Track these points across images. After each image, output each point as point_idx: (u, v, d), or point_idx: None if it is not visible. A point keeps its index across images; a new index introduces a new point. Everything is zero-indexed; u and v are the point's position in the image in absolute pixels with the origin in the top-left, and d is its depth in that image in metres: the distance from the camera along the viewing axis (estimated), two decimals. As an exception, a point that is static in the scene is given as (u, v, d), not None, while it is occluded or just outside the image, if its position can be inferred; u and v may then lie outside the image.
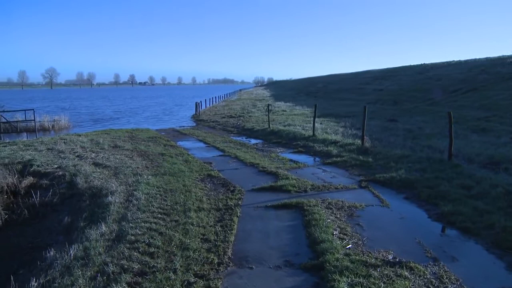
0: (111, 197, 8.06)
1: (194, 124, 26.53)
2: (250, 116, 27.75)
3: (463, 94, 29.58)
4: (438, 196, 7.64)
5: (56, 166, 11.55)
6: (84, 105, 61.65)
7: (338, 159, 11.55)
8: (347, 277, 4.57)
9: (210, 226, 6.50)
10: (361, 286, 4.41)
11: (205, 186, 9.04)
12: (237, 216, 6.96)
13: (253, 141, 16.87)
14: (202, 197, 8.13)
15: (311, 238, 5.87)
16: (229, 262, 5.21)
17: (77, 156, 13.04)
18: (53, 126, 27.18)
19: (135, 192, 8.34)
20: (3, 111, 24.78)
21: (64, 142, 15.88)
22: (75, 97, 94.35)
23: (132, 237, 5.95)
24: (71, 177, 10.19)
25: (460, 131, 15.72)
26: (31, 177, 10.79)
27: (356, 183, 9.15)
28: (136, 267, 5.01)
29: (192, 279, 4.71)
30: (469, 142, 13.44)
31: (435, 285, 4.50)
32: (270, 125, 19.79)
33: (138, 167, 10.97)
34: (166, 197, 8.12)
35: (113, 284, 4.59)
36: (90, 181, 9.63)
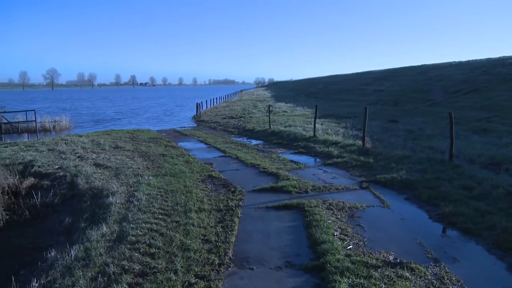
0: (112, 197, 8.07)
1: (195, 125, 26.55)
2: (251, 117, 27.76)
3: (464, 95, 29.56)
4: (439, 197, 7.63)
5: (57, 166, 11.56)
6: (85, 105, 61.73)
7: (339, 160, 11.54)
8: (348, 278, 4.57)
9: (211, 227, 6.50)
10: (362, 287, 4.41)
11: (206, 187, 9.04)
12: (238, 217, 6.96)
13: (254, 142, 16.87)
14: (203, 198, 8.13)
15: (312, 239, 5.86)
16: (230, 263, 5.21)
17: (78, 156, 13.05)
18: (54, 127, 27.23)
19: (136, 193, 8.34)
20: (4, 112, 24.82)
21: (65, 142, 15.89)
22: (76, 98, 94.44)
23: (133, 238, 5.95)
24: (72, 178, 10.20)
25: (461, 132, 15.70)
26: (32, 178, 10.80)
27: (357, 184, 9.15)
28: (137, 267, 5.01)
29: (193, 280, 4.71)
30: (470, 143, 13.43)
31: (436, 286, 4.50)
32: (271, 126, 19.80)
33: (139, 168, 10.98)
34: (167, 197, 8.12)
35: (114, 285, 4.59)
36: (91, 181, 9.63)
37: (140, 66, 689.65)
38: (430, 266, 4.94)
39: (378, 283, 4.48)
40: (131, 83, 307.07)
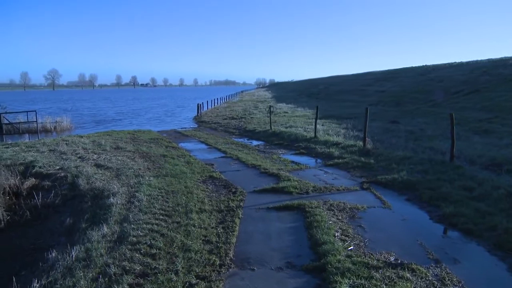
0: (113, 198, 8.07)
1: (196, 126, 26.56)
2: (251, 117, 27.76)
3: (465, 96, 29.54)
4: (440, 197, 7.62)
5: (58, 167, 11.57)
6: (86, 106, 61.79)
7: (340, 160, 11.54)
8: (349, 279, 4.57)
9: (212, 227, 6.50)
10: (363, 288, 4.41)
11: (206, 188, 9.04)
12: (238, 217, 6.96)
13: (255, 142, 16.87)
14: (204, 198, 8.13)
15: (313, 240, 5.86)
16: (231, 264, 5.21)
17: (79, 157, 13.06)
18: (55, 128, 27.26)
19: (137, 194, 8.34)
20: (6, 113, 24.84)
21: (66, 143, 15.91)
22: (77, 99, 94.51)
23: (134, 239, 5.95)
24: (73, 179, 10.21)
25: (462, 133, 15.71)
26: (33, 179, 10.81)
27: (358, 184, 9.14)
28: (138, 268, 5.02)
29: (193, 281, 4.71)
30: (471, 144, 13.42)
31: (437, 287, 4.49)
32: (272, 127, 19.79)
33: (140, 169, 10.99)
34: (167, 198, 8.12)
35: (115, 286, 4.59)
36: (92, 182, 9.64)
37: (141, 67, 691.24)
38: (431, 267, 4.93)
39: (379, 284, 4.48)
40: (132, 83, 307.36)
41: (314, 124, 16.84)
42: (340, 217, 6.84)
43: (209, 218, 6.92)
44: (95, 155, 13.29)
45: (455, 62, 52.92)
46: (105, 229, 6.41)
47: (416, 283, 4.54)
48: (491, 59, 46.41)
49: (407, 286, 4.45)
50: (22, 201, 9.57)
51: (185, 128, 24.95)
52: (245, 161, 11.96)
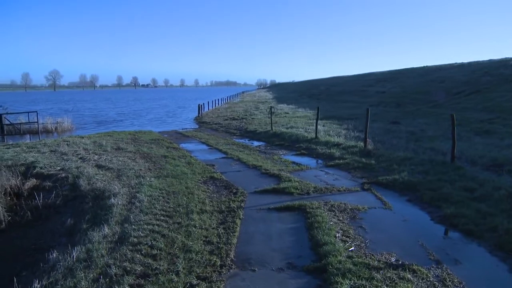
0: (113, 199, 8.08)
1: (197, 126, 26.57)
2: (252, 118, 27.77)
3: (466, 96, 29.53)
4: (441, 198, 7.62)
5: (59, 168, 11.58)
6: (88, 107, 61.83)
7: (341, 161, 11.54)
8: (350, 280, 4.57)
9: (213, 228, 6.50)
10: (364, 289, 4.41)
11: (207, 188, 9.04)
12: (239, 218, 6.96)
13: (256, 143, 16.88)
14: (205, 199, 8.14)
15: (314, 241, 5.86)
16: (232, 264, 5.21)
17: (80, 158, 13.07)
18: (56, 128, 27.28)
19: (137, 194, 8.35)
20: (7, 113, 24.84)
21: (67, 144, 15.93)
22: (78, 99, 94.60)
23: (135, 239, 5.95)
24: (74, 179, 10.22)
25: (463, 133, 15.70)
26: (34, 179, 10.83)
27: (359, 185, 9.14)
28: (139, 269, 5.02)
29: (194, 281, 4.71)
30: (472, 144, 13.41)
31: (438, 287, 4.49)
32: (273, 127, 19.79)
33: (140, 169, 10.99)
34: (168, 199, 8.12)
35: (116, 286, 4.60)
36: (93, 183, 9.65)
37: (142, 68, 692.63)
38: (432, 268, 4.93)
39: (380, 284, 4.48)
40: (133, 84, 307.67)
41: (315, 125, 16.85)
42: (341, 218, 6.84)
43: (210, 219, 6.92)
44: (96, 156, 13.30)
45: (456, 63, 52.90)
46: (106, 229, 6.41)
47: (417, 284, 4.54)
48: (492, 59, 46.43)
49: (408, 287, 4.45)
50: (23, 202, 9.58)
51: (186, 128, 24.96)
52: (246, 162, 11.96)
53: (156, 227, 6.48)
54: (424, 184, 8.56)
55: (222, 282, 4.73)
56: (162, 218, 6.95)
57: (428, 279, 4.64)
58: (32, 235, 8.10)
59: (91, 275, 4.91)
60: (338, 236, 5.97)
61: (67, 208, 9.01)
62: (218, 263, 5.21)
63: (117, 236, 6.18)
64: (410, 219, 6.86)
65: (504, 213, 6.53)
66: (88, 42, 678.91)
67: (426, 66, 58.45)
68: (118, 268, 5.02)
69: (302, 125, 20.97)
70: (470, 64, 47.79)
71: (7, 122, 23.83)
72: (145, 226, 6.50)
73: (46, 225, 8.57)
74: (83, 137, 18.34)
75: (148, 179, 9.76)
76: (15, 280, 5.44)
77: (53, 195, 9.57)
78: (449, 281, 4.61)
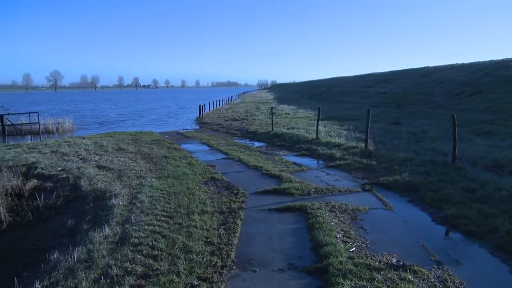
0: (114, 199, 8.08)
1: (198, 127, 26.58)
2: (253, 119, 27.77)
3: (467, 97, 29.51)
4: (442, 199, 7.61)
5: (60, 168, 11.59)
6: (89, 108, 61.87)
7: (342, 162, 11.53)
8: (351, 281, 4.56)
9: (214, 229, 6.50)
10: (365, 290, 4.40)
11: (208, 189, 9.05)
12: (240, 219, 6.96)
13: (257, 144, 16.88)
14: (206, 200, 8.14)
15: (315, 241, 5.85)
16: (233, 265, 5.21)
17: (81, 158, 13.08)
18: (57, 129, 27.31)
19: (138, 195, 8.35)
20: (8, 114, 24.86)
21: (68, 144, 15.94)
22: (79, 100, 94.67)
23: (136, 240, 5.95)
24: (75, 180, 10.23)
25: (464, 134, 15.67)
26: (35, 180, 10.83)
27: (360, 186, 9.13)
28: (140, 269, 5.02)
29: (195, 282, 4.71)
30: (473, 145, 13.39)
31: (439, 288, 4.48)
32: (274, 128, 19.79)
33: (141, 170, 11.00)
34: (169, 200, 8.13)
35: (117, 287, 4.60)
36: (94, 183, 9.65)
37: (143, 68, 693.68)
38: (433, 269, 4.92)
39: (381, 285, 4.47)
40: (134, 85, 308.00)
41: (316, 125, 16.86)
42: (342, 219, 6.84)
43: (211, 220, 6.92)
44: (97, 157, 13.31)
45: (456, 64, 52.85)
46: (107, 230, 6.41)
47: (418, 284, 4.53)
48: (493, 60, 46.37)
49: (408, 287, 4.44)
50: (24, 202, 9.58)
51: (187, 129, 24.97)
52: (247, 163, 11.96)
53: (157, 227, 6.48)
54: (425, 185, 8.56)
55: (223, 282, 4.73)
56: (163, 218, 6.95)
57: (429, 280, 4.64)
58: (33, 236, 8.11)
59: (92, 275, 4.91)
60: (339, 237, 5.97)
61: (68, 209, 9.01)
62: (219, 263, 5.21)
63: (118, 237, 6.18)
64: (411, 220, 6.85)
65: (506, 214, 6.52)
66: (89, 42, 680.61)
67: (427, 66, 58.44)
68: (119, 269, 5.02)
69: (303, 126, 20.97)
70: (470, 64, 47.73)
71: (8, 123, 23.83)
72: (146, 226, 6.50)
73: (47, 225, 8.57)
74: (84, 138, 18.36)
75: (149, 179, 9.77)
76: (16, 280, 5.44)
77: (54, 195, 9.58)
78: (450, 282, 4.60)
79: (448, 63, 55.40)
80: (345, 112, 29.72)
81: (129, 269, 5.00)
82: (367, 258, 5.22)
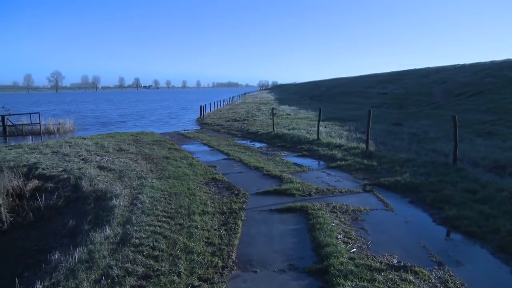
0: (115, 200, 8.08)
1: (199, 128, 26.58)
2: (254, 119, 27.78)
3: (468, 98, 29.47)
4: (443, 200, 7.60)
5: (61, 169, 11.60)
6: (90, 108, 61.94)
7: (343, 162, 11.52)
8: (352, 281, 4.56)
9: (215, 229, 6.50)
10: (366, 291, 4.40)
11: (209, 190, 9.05)
12: (241, 219, 6.96)
13: (258, 144, 16.87)
14: (207, 200, 8.14)
15: (316, 242, 5.85)
16: (234, 266, 5.21)
17: (82, 159, 13.09)
18: (58, 129, 27.35)
19: (139, 196, 8.35)
20: (9, 115, 24.90)
21: (69, 145, 15.95)
22: (80, 101, 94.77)
23: (137, 241, 5.96)
24: (76, 180, 10.23)
25: (465, 135, 15.67)
26: (36, 180, 10.84)
27: (361, 187, 9.12)
28: (141, 270, 5.02)
29: (196, 283, 4.71)
30: (475, 146, 13.38)
31: (440, 289, 4.48)
32: (275, 129, 19.80)
33: (142, 171, 11.00)
34: (170, 200, 8.13)
35: (118, 287, 4.60)
36: (94, 184, 9.66)
37: (143, 69, 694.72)
38: (434, 270, 4.92)
39: (381, 286, 4.47)
40: (134, 85, 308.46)
41: (316, 126, 16.86)
42: (342, 219, 6.83)
43: (211, 220, 6.92)
44: (98, 157, 13.32)
45: (458, 64, 52.79)
46: (108, 231, 6.42)
47: (419, 285, 4.52)
48: (494, 61, 46.34)
49: (410, 288, 4.44)
50: (25, 203, 9.59)
51: (188, 130, 24.98)
52: (248, 163, 11.96)
53: (158, 228, 6.48)
54: (426, 185, 8.55)
55: (223, 283, 4.73)
56: (163, 219, 6.96)
57: (430, 280, 4.63)
58: (34, 236, 8.12)
59: (93, 276, 4.91)
60: (340, 238, 5.97)
61: (69, 209, 9.02)
62: (220, 264, 5.21)
63: (119, 237, 6.19)
64: (412, 221, 6.85)
65: (507, 215, 6.51)
66: (90, 43, 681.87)
67: (428, 67, 58.41)
68: (120, 269, 5.02)
69: (304, 127, 20.97)
70: (471, 65, 47.70)
71: (9, 123, 23.86)
72: (147, 227, 6.51)
73: (48, 226, 8.58)
74: (85, 138, 18.37)
75: (150, 180, 9.77)
76: (17, 281, 5.45)
77: (55, 196, 9.59)
78: (451, 283, 4.60)
79: (450, 64, 55.42)
80: (346, 113, 29.71)
81: (130, 270, 5.00)
82: (368, 259, 5.21)
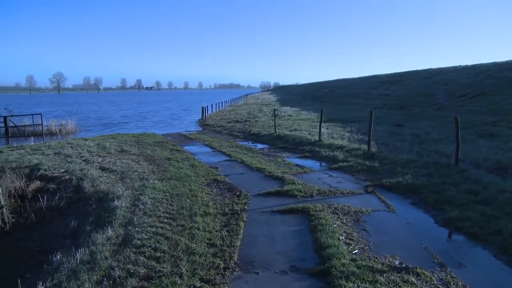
0: (117, 201, 8.09)
1: (201, 129, 26.60)
2: (256, 121, 27.78)
3: (470, 99, 29.42)
4: (445, 201, 7.58)
5: (63, 170, 11.63)
6: (92, 109, 62.00)
7: (344, 164, 11.51)
8: (353, 283, 4.55)
9: (216, 231, 6.50)
10: (367, 292, 4.39)
11: (211, 191, 9.05)
12: (243, 221, 6.96)
13: (259, 146, 16.87)
14: (208, 201, 8.14)
15: (317, 243, 5.85)
16: (235, 267, 5.21)
17: (84, 160, 13.11)
18: (60, 131, 27.39)
19: (141, 197, 8.36)
20: (11, 116, 24.98)
21: (71, 146, 15.98)
22: (82, 102, 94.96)
23: (138, 242, 5.96)
24: (77, 181, 10.25)
25: (467, 136, 15.63)
26: (38, 181, 10.86)
27: (362, 188, 9.11)
28: (142, 271, 5.02)
29: (198, 284, 4.71)
30: (476, 147, 13.36)
31: (442, 291, 4.47)
32: (276, 130, 19.79)
33: (144, 172, 11.01)
34: (172, 201, 8.14)
35: (119, 288, 4.61)
36: (96, 185, 9.68)
37: (145, 70, 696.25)
38: (436, 271, 4.91)
39: (383, 288, 4.46)
40: (136, 87, 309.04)
41: (318, 127, 16.85)
42: (344, 221, 6.82)
43: (213, 221, 6.93)
44: (100, 158, 13.35)
45: (460, 65, 52.66)
46: (110, 232, 6.43)
47: (420, 287, 4.52)
48: (496, 62, 46.20)
49: (412, 290, 4.43)
50: (27, 204, 9.61)
51: (190, 131, 25.00)
52: (250, 165, 11.96)
53: (160, 229, 6.49)
54: (428, 186, 8.53)
55: (225, 284, 4.73)
56: (165, 220, 6.96)
57: (432, 282, 4.62)
58: (36, 237, 8.13)
59: (95, 277, 4.92)
60: (342, 239, 5.96)
61: (71, 210, 9.04)
62: (222, 265, 5.21)
63: (120, 238, 6.19)
64: (414, 222, 6.83)
65: (509, 216, 6.49)
66: (92, 44, 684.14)
67: (430, 68, 58.28)
68: (121, 270, 5.03)
69: (305, 128, 20.96)
70: (473, 66, 47.57)
71: (11, 124, 23.93)
72: (149, 228, 6.51)
73: (50, 227, 8.59)
74: (87, 140, 18.40)
75: (151, 181, 9.78)
76: (19, 282, 5.46)
77: (57, 197, 9.60)
78: (453, 284, 4.59)
79: (451, 65, 55.38)
80: (348, 114, 29.70)
81: (132, 271, 5.01)
82: (369, 260, 5.21)
